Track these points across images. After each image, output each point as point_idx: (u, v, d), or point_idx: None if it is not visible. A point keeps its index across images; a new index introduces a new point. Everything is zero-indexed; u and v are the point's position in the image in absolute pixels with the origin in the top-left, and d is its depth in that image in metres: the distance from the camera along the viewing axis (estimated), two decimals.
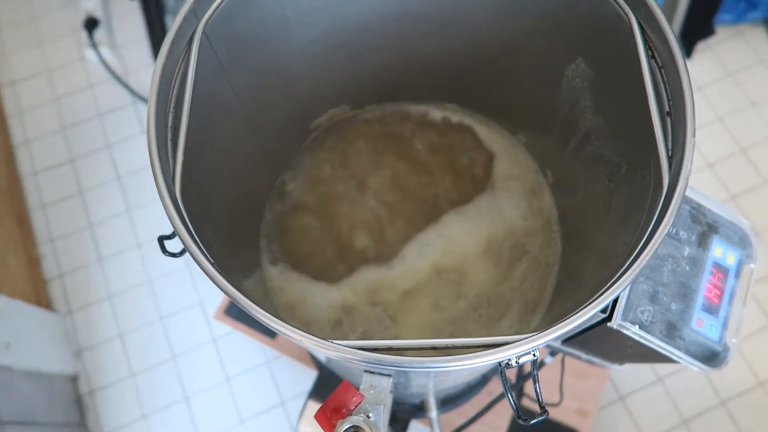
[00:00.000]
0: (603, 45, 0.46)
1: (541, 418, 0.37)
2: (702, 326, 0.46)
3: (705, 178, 1.28)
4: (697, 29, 1.35)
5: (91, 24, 1.38)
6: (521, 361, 0.35)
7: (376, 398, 0.41)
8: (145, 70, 1.40)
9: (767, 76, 1.36)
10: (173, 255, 0.44)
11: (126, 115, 1.36)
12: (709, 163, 1.29)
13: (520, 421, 0.39)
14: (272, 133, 0.62)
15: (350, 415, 0.36)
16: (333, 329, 0.64)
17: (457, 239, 0.67)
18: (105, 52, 1.39)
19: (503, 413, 1.00)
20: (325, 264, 0.67)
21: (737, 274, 0.48)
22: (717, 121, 1.33)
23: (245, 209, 0.61)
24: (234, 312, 1.09)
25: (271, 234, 0.68)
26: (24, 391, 0.97)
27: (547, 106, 0.58)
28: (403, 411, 0.88)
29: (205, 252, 0.38)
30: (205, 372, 1.15)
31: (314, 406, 0.88)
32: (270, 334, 1.07)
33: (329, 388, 0.89)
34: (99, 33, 1.39)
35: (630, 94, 0.44)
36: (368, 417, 0.38)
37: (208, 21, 0.43)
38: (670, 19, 0.82)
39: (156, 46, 1.39)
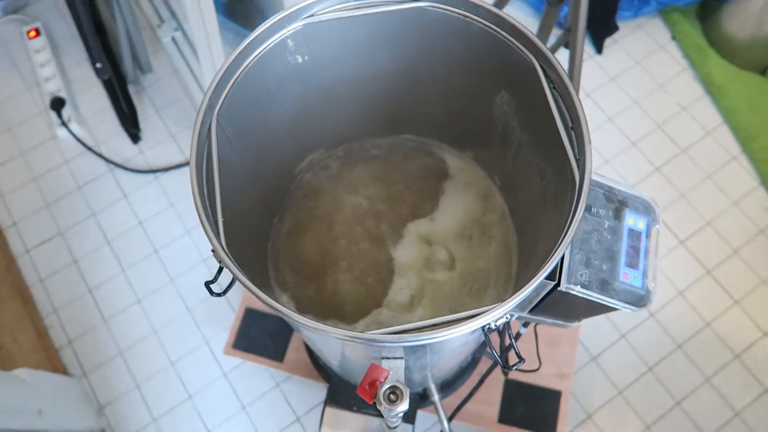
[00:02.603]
0: (519, 80, 0.61)
1: (520, 364, 0.51)
2: (628, 279, 0.61)
3: (631, 155, 1.46)
4: (603, 28, 1.54)
5: (57, 104, 1.48)
6: (498, 323, 0.49)
7: (395, 376, 0.54)
8: (114, 138, 1.50)
9: (668, 59, 1.56)
10: (219, 295, 0.56)
11: (105, 183, 1.45)
12: (633, 142, 1.47)
13: (504, 370, 0.53)
14: (267, 182, 0.75)
15: (382, 385, 0.49)
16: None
17: (437, 231, 0.82)
18: (75, 127, 1.48)
19: (494, 390, 1.14)
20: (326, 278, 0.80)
21: (647, 235, 0.63)
22: (633, 104, 1.51)
23: (252, 248, 0.74)
24: (242, 344, 1.20)
25: (276, 263, 0.80)
26: None
27: (486, 127, 0.73)
28: (410, 402, 1.00)
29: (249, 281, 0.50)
30: (222, 404, 1.25)
31: (332, 412, 0.99)
32: (278, 358, 1.18)
33: (341, 394, 1.01)
34: (66, 111, 1.48)
35: (543, 115, 0.58)
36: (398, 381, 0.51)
37: (219, 110, 0.56)
38: (575, 28, 0.99)
39: (122, 116, 1.49)
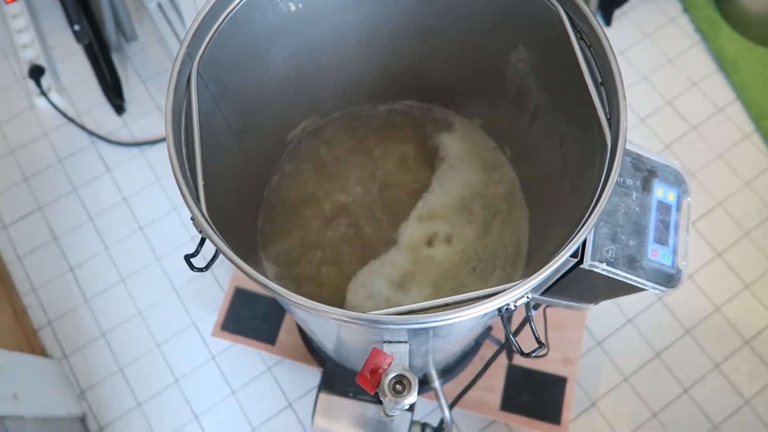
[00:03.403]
0: (539, 33, 0.54)
1: (540, 350, 0.45)
2: (656, 256, 0.55)
3: (640, 132, 1.39)
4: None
5: (36, 72, 1.39)
6: (518, 303, 0.43)
7: (399, 362, 0.48)
8: (97, 109, 1.42)
9: (679, 33, 1.49)
10: (200, 270, 0.50)
11: (87, 156, 1.38)
12: (642, 118, 1.41)
13: (523, 356, 0.46)
14: (256, 149, 0.68)
15: (386, 373, 0.43)
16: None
17: (433, 203, 0.75)
18: (55, 97, 1.40)
19: (497, 376, 1.09)
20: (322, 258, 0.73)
21: (678, 208, 0.57)
22: (642, 80, 1.45)
23: (240, 221, 0.67)
24: (231, 326, 1.13)
25: (265, 238, 0.74)
26: None
27: (497, 90, 0.66)
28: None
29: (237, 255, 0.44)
30: (210, 389, 1.19)
31: (326, 398, 0.93)
32: (269, 340, 1.12)
33: (336, 380, 0.95)
34: (45, 79, 1.40)
35: (567, 71, 0.52)
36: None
37: (200, 60, 0.49)
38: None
39: (105, 85, 1.42)
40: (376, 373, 0.42)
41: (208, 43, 0.50)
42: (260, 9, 0.54)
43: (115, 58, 1.45)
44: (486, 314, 0.44)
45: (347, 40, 0.64)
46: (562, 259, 0.41)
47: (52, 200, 1.34)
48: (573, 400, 1.12)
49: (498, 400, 1.07)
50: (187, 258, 0.49)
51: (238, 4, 0.51)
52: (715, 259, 1.29)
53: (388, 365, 0.43)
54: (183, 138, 0.46)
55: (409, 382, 0.41)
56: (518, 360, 1.09)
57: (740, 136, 1.39)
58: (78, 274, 1.28)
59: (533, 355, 0.46)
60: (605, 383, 1.20)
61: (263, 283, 0.40)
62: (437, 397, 0.94)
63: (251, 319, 1.14)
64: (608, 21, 1.48)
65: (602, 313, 1.24)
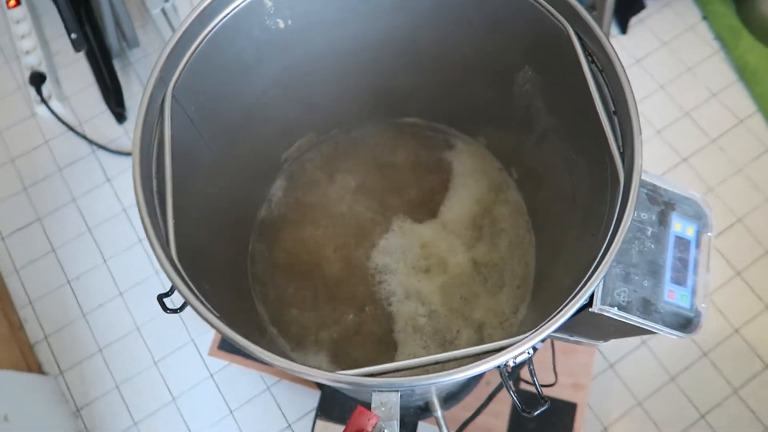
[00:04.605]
0: (547, 53, 0.50)
1: (543, 409, 0.40)
2: (674, 297, 0.50)
3: (656, 144, 1.34)
4: (628, 6, 1.41)
5: (37, 79, 1.37)
6: (518, 360, 0.38)
7: (387, 415, 0.43)
8: (98, 117, 1.40)
9: (697, 42, 1.43)
10: (174, 311, 0.46)
11: (87, 166, 1.35)
12: (657, 130, 1.35)
13: (525, 414, 0.42)
14: (245, 173, 0.64)
15: None
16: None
17: (442, 225, 0.71)
18: (55, 105, 1.37)
19: (503, 401, 1.04)
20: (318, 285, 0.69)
21: (697, 244, 0.52)
22: (659, 89, 1.39)
23: (233, 253, 0.63)
24: (228, 346, 1.10)
25: (256, 265, 0.70)
26: None
27: (503, 110, 0.62)
28: (410, 415, 0.90)
29: (207, 305, 0.40)
30: (208, 409, 1.16)
31: (323, 425, 0.90)
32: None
33: (335, 405, 0.92)
34: (46, 87, 1.38)
35: (577, 95, 0.47)
36: None
37: (175, 84, 0.45)
38: (601, 5, 0.87)
39: (106, 93, 1.39)
40: None
41: (186, 64, 0.46)
42: (246, 27, 0.50)
43: (117, 65, 1.42)
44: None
45: (341, 55, 0.60)
46: (566, 316, 0.37)
47: (51, 211, 1.31)
48: (583, 426, 1.07)
49: (504, 427, 1.03)
50: (160, 298, 0.46)
51: (219, 22, 0.47)
52: (734, 279, 1.23)
53: (373, 426, 0.39)
54: (154, 171, 0.42)
55: None
56: (526, 385, 1.05)
57: (761, 149, 1.33)
58: (76, 287, 1.25)
59: (535, 414, 0.41)
60: (618, 408, 1.15)
61: (229, 336, 0.36)
62: (439, 427, 0.89)
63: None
64: (624, 29, 1.43)
65: None
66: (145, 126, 0.42)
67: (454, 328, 0.66)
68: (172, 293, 0.45)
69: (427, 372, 0.37)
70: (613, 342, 1.17)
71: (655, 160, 1.32)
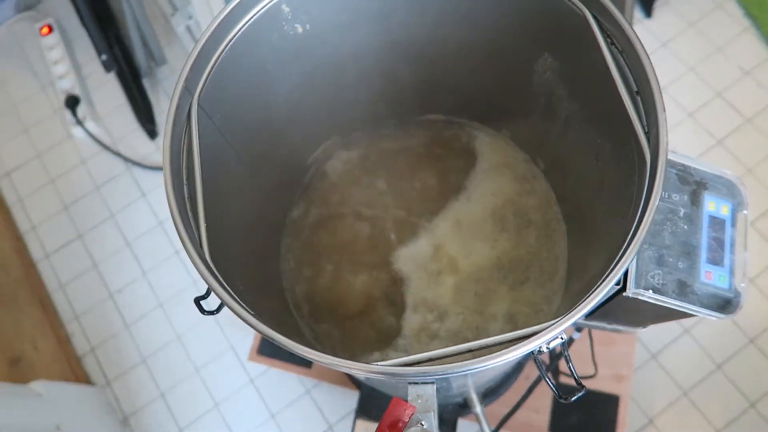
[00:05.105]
0: (565, 39, 0.49)
1: (580, 395, 0.40)
2: (711, 278, 0.49)
3: (688, 128, 1.31)
4: None
5: (72, 102, 1.42)
6: (551, 346, 0.38)
7: (424, 407, 0.44)
8: (131, 135, 1.44)
9: (726, 20, 1.39)
10: (211, 313, 0.47)
11: (123, 183, 1.39)
12: (690, 113, 1.32)
13: (561, 400, 0.42)
14: (272, 177, 0.65)
15: (406, 427, 0.39)
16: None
17: (466, 212, 0.71)
18: (90, 126, 1.42)
19: (544, 395, 1.03)
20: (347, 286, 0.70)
21: (733, 223, 0.51)
22: (689, 71, 1.36)
23: (264, 255, 0.65)
24: (267, 350, 1.12)
25: (289, 266, 0.71)
26: None
27: (524, 101, 0.61)
28: (449, 412, 0.90)
29: (243, 304, 0.41)
30: (250, 413, 1.18)
31: (363, 425, 0.90)
32: (306, 363, 1.10)
33: (373, 405, 0.92)
34: (81, 109, 1.43)
35: (599, 79, 0.47)
36: (422, 425, 0.41)
37: (200, 94, 0.46)
38: None
39: (137, 111, 1.43)
40: (395, 428, 0.38)
41: (209, 74, 0.47)
42: (265, 34, 0.51)
43: (146, 83, 1.47)
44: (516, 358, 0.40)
45: (360, 57, 0.61)
46: (597, 298, 0.36)
47: (91, 227, 1.36)
48: (627, 418, 1.05)
49: (546, 422, 1.02)
50: (197, 300, 0.47)
51: (239, 31, 0.49)
52: None
53: (410, 417, 0.39)
54: (185, 177, 0.44)
55: None
56: (566, 378, 1.03)
57: None
58: (118, 300, 1.29)
59: (573, 399, 0.41)
60: (662, 399, 1.12)
61: (266, 334, 0.37)
62: (479, 423, 0.89)
63: None
64: (648, 12, 1.40)
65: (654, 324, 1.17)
66: (174, 135, 0.43)
67: (488, 322, 0.66)
68: (208, 295, 0.46)
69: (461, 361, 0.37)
70: (653, 332, 1.15)
71: (689, 144, 1.29)
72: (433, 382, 0.45)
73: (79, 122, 1.41)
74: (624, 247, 0.38)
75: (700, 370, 1.13)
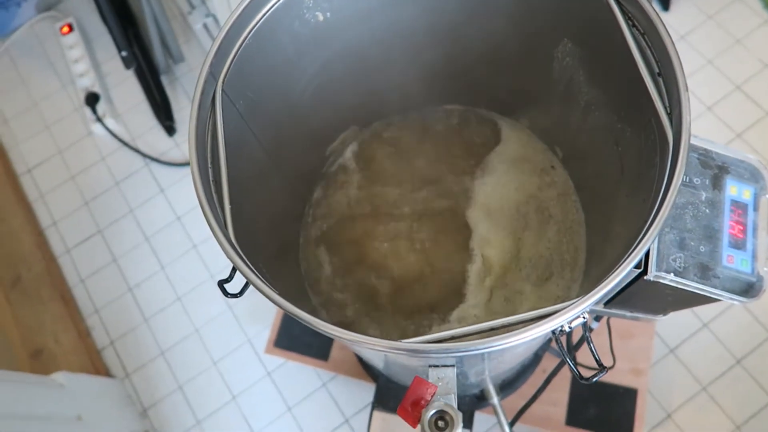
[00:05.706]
0: (585, 23, 0.50)
1: (601, 374, 0.40)
2: (733, 262, 0.49)
3: (707, 122, 1.30)
4: None
5: (92, 99, 1.44)
6: (573, 325, 0.38)
7: (445, 389, 0.44)
8: (150, 132, 1.46)
9: (746, 12, 1.38)
10: (234, 296, 0.48)
11: (141, 178, 1.41)
12: (708, 106, 1.31)
13: (582, 381, 0.42)
14: (293, 165, 0.66)
15: (428, 405, 0.39)
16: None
17: (486, 210, 0.71)
18: (110, 122, 1.44)
19: (561, 389, 1.03)
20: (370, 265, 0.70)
21: (756, 207, 0.51)
22: (707, 64, 1.35)
23: (283, 239, 0.65)
24: (283, 343, 1.12)
25: (308, 256, 0.72)
26: None
27: (544, 88, 0.61)
28: (465, 404, 0.90)
29: (267, 283, 0.42)
30: (267, 406, 1.19)
31: (380, 416, 0.91)
32: (322, 356, 1.11)
33: (390, 396, 0.92)
34: (100, 106, 1.45)
35: (619, 62, 0.47)
36: (444, 402, 0.41)
37: (224, 79, 0.47)
38: None
39: (156, 107, 1.45)
40: (418, 406, 0.39)
41: (233, 60, 0.48)
42: (286, 21, 0.52)
43: (165, 80, 1.48)
44: (538, 337, 0.40)
45: (379, 46, 0.61)
46: (620, 276, 0.36)
47: (111, 223, 1.37)
48: (645, 412, 1.04)
49: (563, 415, 1.01)
50: (221, 284, 0.48)
51: (261, 18, 0.49)
52: None
53: (432, 395, 0.39)
54: (209, 161, 0.45)
55: (452, 419, 0.37)
56: (584, 371, 1.03)
57: None
58: (137, 294, 1.31)
59: (594, 380, 0.41)
60: (681, 394, 1.11)
61: (291, 311, 0.38)
62: (496, 414, 0.89)
63: (303, 334, 1.12)
64: (666, 5, 1.39)
65: (674, 317, 1.16)
66: (199, 119, 0.44)
67: (516, 302, 0.66)
68: (232, 278, 0.47)
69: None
70: (671, 326, 1.14)
71: (708, 137, 1.28)
72: (453, 365, 0.45)
73: (99, 119, 1.43)
74: (647, 226, 0.38)
75: (719, 365, 1.12)
